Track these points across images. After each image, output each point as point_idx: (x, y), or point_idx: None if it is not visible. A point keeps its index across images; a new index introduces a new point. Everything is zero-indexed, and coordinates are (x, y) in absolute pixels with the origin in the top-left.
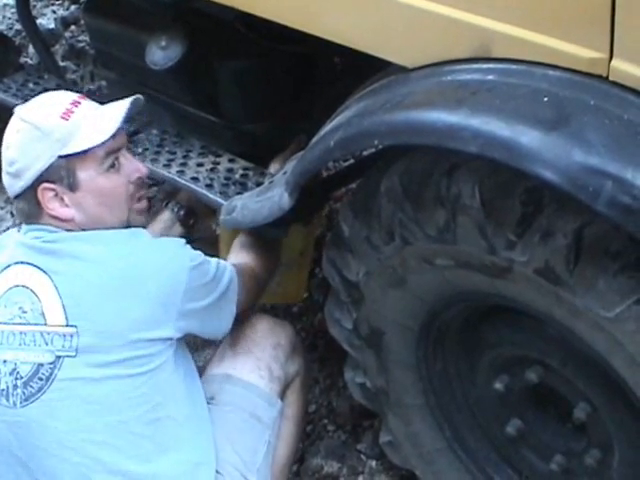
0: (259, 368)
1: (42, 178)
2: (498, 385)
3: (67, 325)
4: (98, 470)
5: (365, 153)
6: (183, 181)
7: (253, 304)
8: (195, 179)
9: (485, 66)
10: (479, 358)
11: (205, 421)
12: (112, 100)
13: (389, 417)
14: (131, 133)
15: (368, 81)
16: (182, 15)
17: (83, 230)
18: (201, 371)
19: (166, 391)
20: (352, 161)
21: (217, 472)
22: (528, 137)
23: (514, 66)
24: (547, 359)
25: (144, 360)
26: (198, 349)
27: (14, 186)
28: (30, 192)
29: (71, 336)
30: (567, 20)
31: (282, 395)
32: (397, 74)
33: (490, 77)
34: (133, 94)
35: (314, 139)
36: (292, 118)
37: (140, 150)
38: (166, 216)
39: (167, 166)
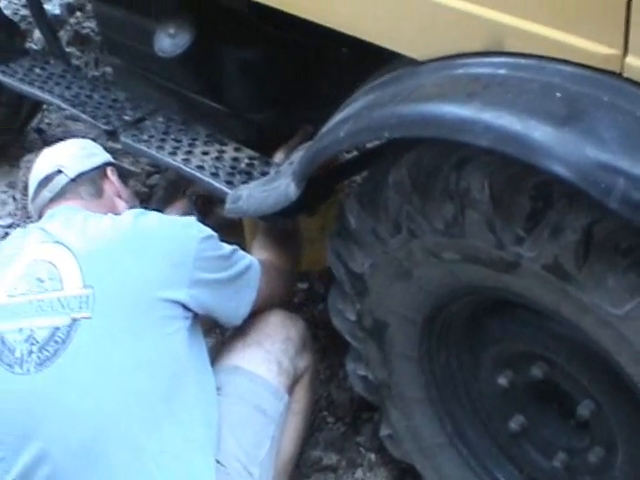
0: (268, 361)
1: (109, 164)
2: (502, 380)
3: (84, 287)
4: (108, 436)
5: (370, 145)
6: (188, 169)
7: (282, 298)
8: (200, 167)
9: (497, 60)
10: (483, 353)
11: (214, 407)
12: (118, 86)
13: (390, 410)
14: (137, 120)
15: (377, 73)
16: (191, 3)
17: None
18: None
19: (181, 362)
20: (356, 153)
21: (220, 463)
22: (540, 132)
23: (526, 60)
24: (552, 355)
25: (159, 323)
26: None
27: (83, 164)
28: (97, 172)
29: (87, 297)
30: (581, 15)
31: (291, 390)
32: (407, 66)
33: (502, 71)
34: (140, 80)
35: (322, 130)
36: (298, 108)
37: (145, 137)
38: (183, 204)
39: (172, 154)
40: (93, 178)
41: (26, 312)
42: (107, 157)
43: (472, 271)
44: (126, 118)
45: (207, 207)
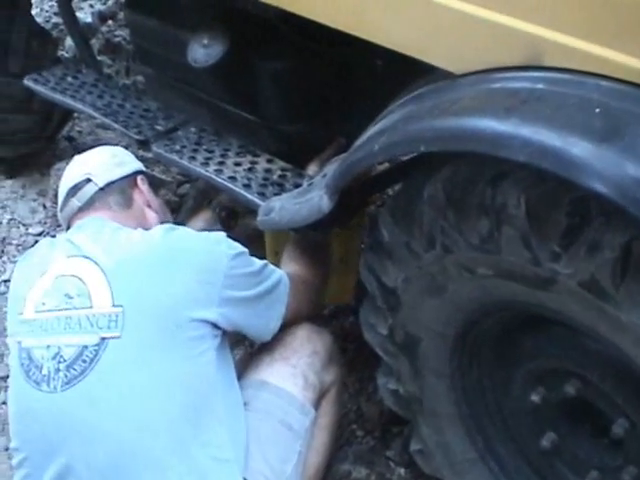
0: (294, 376)
1: (139, 173)
2: (534, 397)
3: (113, 305)
4: (134, 456)
5: (404, 158)
6: (220, 180)
7: (310, 312)
8: (233, 178)
9: (535, 74)
10: (515, 369)
11: (242, 425)
12: (150, 95)
13: (421, 425)
14: (169, 130)
15: (412, 86)
16: (225, 13)
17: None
18: None
19: (208, 382)
20: (388, 165)
21: None
22: (579, 148)
23: (565, 75)
24: (585, 372)
25: (188, 344)
26: None
27: (113, 172)
28: (127, 181)
29: (116, 316)
30: (620, 30)
31: (317, 404)
32: (444, 80)
33: (540, 86)
34: (171, 90)
35: (357, 142)
36: (330, 120)
37: (178, 147)
38: (207, 215)
39: (205, 164)
40: (123, 187)
41: (54, 329)
42: (138, 165)
43: (506, 287)
44: (158, 128)
45: (231, 219)
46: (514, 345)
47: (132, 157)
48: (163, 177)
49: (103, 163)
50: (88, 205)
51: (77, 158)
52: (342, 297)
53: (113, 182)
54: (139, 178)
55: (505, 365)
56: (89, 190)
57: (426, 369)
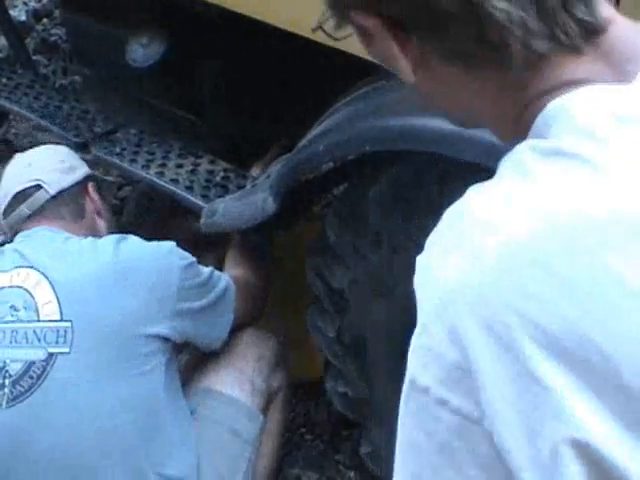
0: (241, 382)
1: (89, 178)
2: None
3: (61, 320)
4: (84, 476)
5: (349, 157)
6: (162, 183)
7: (255, 317)
8: (175, 181)
9: None
10: None
11: (192, 439)
12: (87, 96)
13: (371, 427)
14: (108, 132)
15: (357, 85)
16: (164, 12)
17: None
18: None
19: (158, 399)
20: (333, 165)
21: None
22: None
23: None
24: None
25: (139, 360)
26: None
27: (64, 179)
28: (78, 189)
29: (65, 331)
30: None
31: (265, 410)
32: (389, 79)
33: None
34: (110, 91)
35: (301, 143)
36: (274, 120)
37: (118, 150)
38: None
39: (146, 167)
40: (74, 196)
41: None
42: (86, 170)
43: None
44: (97, 130)
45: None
46: None
47: (79, 160)
48: (109, 178)
49: (53, 169)
50: (38, 213)
51: (21, 158)
52: (309, 370)
53: (65, 190)
54: (90, 185)
55: None
56: (40, 197)
57: (375, 371)
